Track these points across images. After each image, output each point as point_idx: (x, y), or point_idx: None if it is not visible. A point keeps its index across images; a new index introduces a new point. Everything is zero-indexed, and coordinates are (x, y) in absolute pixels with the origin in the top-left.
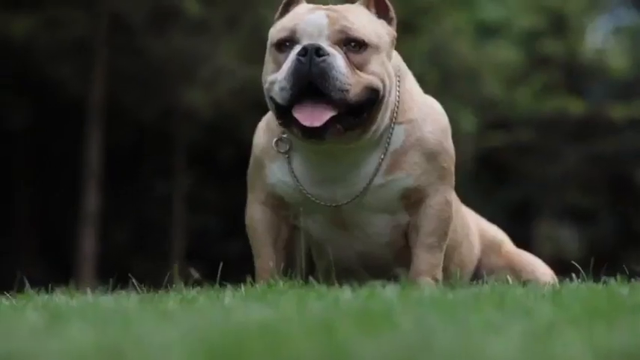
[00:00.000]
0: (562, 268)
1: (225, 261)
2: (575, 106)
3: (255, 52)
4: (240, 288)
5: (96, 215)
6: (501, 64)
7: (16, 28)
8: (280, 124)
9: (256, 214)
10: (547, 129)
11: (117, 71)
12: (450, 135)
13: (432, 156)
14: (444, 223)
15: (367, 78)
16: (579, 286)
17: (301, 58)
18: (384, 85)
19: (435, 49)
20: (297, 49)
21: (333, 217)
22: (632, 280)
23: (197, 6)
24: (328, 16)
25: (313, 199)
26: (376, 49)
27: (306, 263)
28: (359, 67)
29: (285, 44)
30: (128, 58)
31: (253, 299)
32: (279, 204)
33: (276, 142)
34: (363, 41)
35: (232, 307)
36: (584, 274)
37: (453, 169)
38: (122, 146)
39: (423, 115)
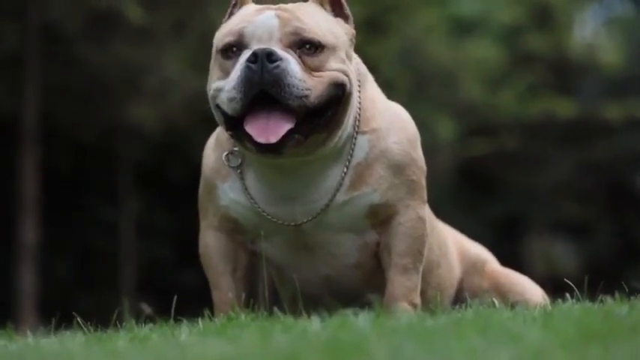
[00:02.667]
0: (557, 287)
1: (181, 293)
2: (564, 108)
3: (206, 59)
4: (198, 323)
5: (34, 247)
6: (481, 64)
7: None
8: (231, 136)
9: (210, 241)
10: (534, 134)
11: (52, 85)
12: (418, 145)
13: (399, 169)
14: (418, 241)
15: (329, 74)
16: (573, 307)
17: (251, 64)
18: (350, 80)
19: (407, 49)
20: (247, 54)
21: (293, 239)
22: (632, 298)
23: (139, 11)
24: (278, 16)
25: (270, 217)
26: (333, 49)
27: (270, 292)
28: (315, 70)
29: (232, 50)
30: (64, 70)
31: (212, 334)
32: (234, 228)
33: (227, 155)
34: (319, 42)
35: (189, 344)
36: (578, 294)
37: (423, 182)
38: (61, 169)
39: (387, 124)
